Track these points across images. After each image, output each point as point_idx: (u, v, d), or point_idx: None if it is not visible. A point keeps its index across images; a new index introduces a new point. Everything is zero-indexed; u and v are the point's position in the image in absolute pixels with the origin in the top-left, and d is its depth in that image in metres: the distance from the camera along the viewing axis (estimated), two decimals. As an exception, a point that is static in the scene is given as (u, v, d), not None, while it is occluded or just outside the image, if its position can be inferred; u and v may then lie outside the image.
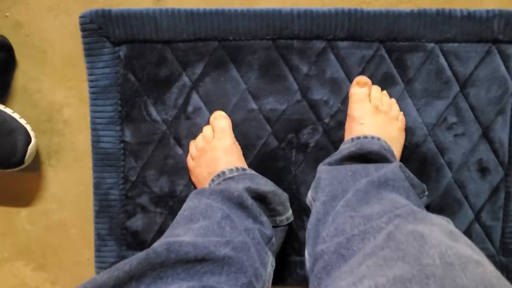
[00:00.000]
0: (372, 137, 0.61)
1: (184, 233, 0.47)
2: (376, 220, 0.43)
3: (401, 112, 0.66)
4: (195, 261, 0.42)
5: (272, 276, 0.53)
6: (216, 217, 0.50)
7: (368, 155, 0.57)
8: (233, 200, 0.54)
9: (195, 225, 0.49)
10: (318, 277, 0.44)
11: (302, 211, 0.69)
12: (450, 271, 0.31)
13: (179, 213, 0.54)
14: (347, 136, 0.65)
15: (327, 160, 0.60)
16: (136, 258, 0.39)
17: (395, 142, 0.64)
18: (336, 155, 0.60)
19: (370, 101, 0.64)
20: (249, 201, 0.56)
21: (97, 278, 0.37)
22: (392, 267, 0.34)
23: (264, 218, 0.57)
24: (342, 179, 0.54)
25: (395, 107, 0.65)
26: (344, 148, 0.61)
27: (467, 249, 0.33)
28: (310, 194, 0.61)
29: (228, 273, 0.43)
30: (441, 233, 0.35)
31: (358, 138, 0.62)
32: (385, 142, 0.61)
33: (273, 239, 0.58)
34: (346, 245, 0.42)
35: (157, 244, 0.42)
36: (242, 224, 0.52)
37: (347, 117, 0.66)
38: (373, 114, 0.63)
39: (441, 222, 0.38)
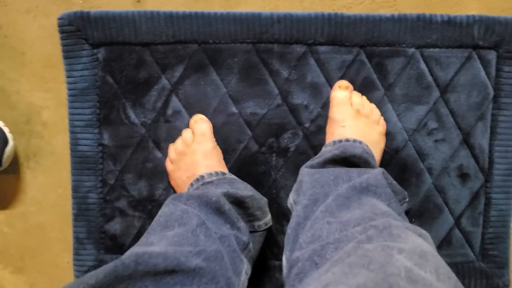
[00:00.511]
0: (354, 140, 0.61)
1: (158, 241, 0.47)
2: (352, 228, 0.42)
3: (382, 117, 0.66)
4: (164, 273, 0.41)
5: (246, 284, 0.53)
6: (191, 224, 0.50)
7: (351, 159, 0.57)
8: (210, 206, 0.54)
9: (169, 232, 0.49)
10: (291, 285, 0.44)
11: (282, 215, 0.69)
12: (414, 286, 0.31)
13: (155, 219, 0.54)
14: (328, 139, 0.65)
15: (309, 163, 0.60)
16: (102, 271, 0.38)
17: (376, 146, 0.64)
18: (318, 158, 0.60)
19: (351, 104, 0.64)
20: (227, 206, 0.55)
21: None
22: (357, 274, 0.34)
23: (241, 224, 0.57)
24: (324, 183, 0.54)
25: (376, 111, 0.65)
26: (327, 151, 0.60)
27: (432, 277, 0.33)
28: (291, 197, 0.60)
29: (199, 284, 0.43)
30: (408, 258, 0.34)
31: (340, 141, 0.61)
32: (367, 146, 0.61)
33: (250, 245, 0.57)
34: (320, 253, 0.42)
35: (126, 256, 0.41)
36: (218, 231, 0.52)
37: (328, 120, 0.66)
38: (355, 117, 0.63)
39: (415, 242, 0.38)
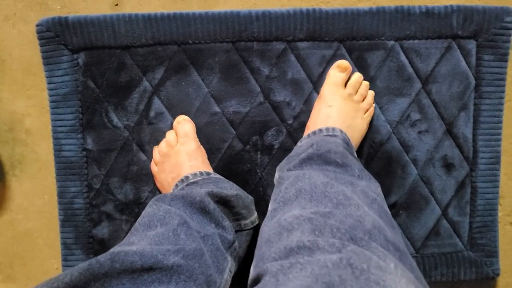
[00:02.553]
0: (327, 129, 0.60)
1: (139, 240, 0.47)
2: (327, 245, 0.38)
3: (373, 106, 0.66)
4: (142, 270, 0.41)
5: (229, 281, 0.53)
6: (173, 223, 0.50)
7: (326, 154, 0.56)
8: (195, 205, 0.54)
9: (151, 232, 0.49)
10: None
11: (269, 213, 0.68)
12: None
13: (138, 219, 0.54)
14: (313, 115, 0.65)
15: (285, 166, 0.58)
16: (77, 269, 0.38)
17: (356, 132, 0.64)
18: (294, 159, 0.57)
19: (345, 86, 0.64)
20: (211, 205, 0.55)
21: None
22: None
23: (226, 223, 0.57)
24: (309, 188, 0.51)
25: (369, 99, 0.65)
26: (302, 150, 0.59)
27: None
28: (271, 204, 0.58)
29: (177, 281, 0.43)
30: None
31: (314, 133, 0.61)
32: (341, 132, 0.60)
33: (236, 244, 0.57)
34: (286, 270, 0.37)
35: (102, 255, 0.42)
36: (202, 230, 0.52)
37: (318, 97, 0.66)
38: (344, 100, 0.63)
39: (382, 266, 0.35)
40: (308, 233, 0.39)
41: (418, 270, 0.38)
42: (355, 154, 0.60)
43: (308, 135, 0.62)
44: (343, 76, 0.64)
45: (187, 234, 0.49)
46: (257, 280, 0.38)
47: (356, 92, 0.64)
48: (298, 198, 0.47)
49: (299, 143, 0.63)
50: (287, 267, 0.35)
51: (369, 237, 0.38)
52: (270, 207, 0.51)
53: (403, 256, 0.39)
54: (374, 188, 0.50)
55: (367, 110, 0.65)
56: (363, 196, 0.47)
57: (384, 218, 0.44)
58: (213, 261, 0.50)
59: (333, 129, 0.60)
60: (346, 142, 0.59)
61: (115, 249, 0.43)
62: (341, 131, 0.60)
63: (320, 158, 0.55)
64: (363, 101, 0.65)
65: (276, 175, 0.60)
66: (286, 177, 0.53)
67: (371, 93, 0.66)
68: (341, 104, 0.63)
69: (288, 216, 0.43)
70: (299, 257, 0.36)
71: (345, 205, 0.43)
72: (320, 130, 0.61)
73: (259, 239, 0.45)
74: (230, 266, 0.53)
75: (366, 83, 0.65)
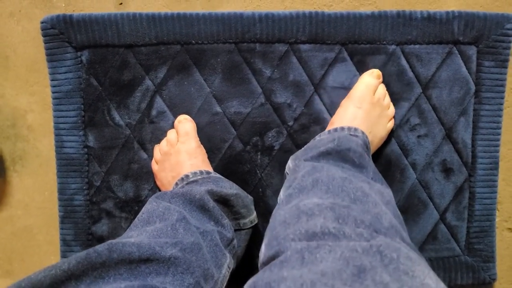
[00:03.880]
0: (350, 129, 0.60)
1: (137, 235, 0.47)
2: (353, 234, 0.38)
3: (394, 117, 0.67)
4: (139, 261, 0.41)
5: (227, 278, 0.53)
6: (172, 219, 0.50)
7: (345, 152, 0.56)
8: (194, 203, 0.54)
9: (150, 227, 0.49)
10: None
11: (268, 213, 0.69)
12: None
13: (138, 215, 0.54)
14: (339, 112, 0.64)
15: (302, 156, 0.57)
16: (75, 257, 0.38)
17: (376, 139, 0.64)
18: (312, 150, 0.57)
19: (374, 93, 0.65)
20: (211, 203, 0.56)
21: (33, 277, 0.36)
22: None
23: (225, 221, 0.57)
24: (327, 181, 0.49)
25: (392, 109, 0.67)
26: (322, 143, 0.58)
27: None
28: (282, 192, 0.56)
29: (174, 273, 0.43)
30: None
31: (336, 130, 0.61)
32: (366, 136, 0.60)
33: (234, 242, 0.58)
34: (313, 250, 0.36)
35: (99, 245, 0.42)
36: (201, 226, 0.52)
37: (348, 96, 0.65)
38: (373, 104, 0.64)
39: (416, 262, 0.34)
40: (332, 220, 0.39)
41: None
42: (371, 158, 0.60)
43: (329, 131, 0.62)
44: (376, 82, 0.65)
45: (186, 229, 0.49)
46: (275, 256, 0.37)
47: (384, 99, 0.65)
48: (314, 188, 0.46)
49: (317, 137, 0.63)
50: (314, 247, 0.35)
51: (388, 233, 0.38)
52: (283, 194, 0.50)
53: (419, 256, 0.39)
54: (387, 191, 0.50)
55: (389, 119, 0.66)
56: (379, 195, 0.47)
57: (397, 219, 0.44)
58: (212, 256, 0.50)
59: (356, 129, 0.60)
60: (366, 145, 0.59)
61: (113, 240, 0.43)
62: (363, 133, 0.61)
63: (338, 154, 0.55)
64: (388, 109, 0.66)
65: (290, 164, 0.60)
66: (303, 166, 0.53)
67: (391, 103, 0.67)
68: (370, 108, 0.63)
69: (307, 202, 0.42)
70: (326, 241, 0.36)
71: (363, 201, 0.43)
72: (343, 128, 0.61)
73: (272, 222, 0.45)
74: (228, 262, 0.53)
75: (387, 93, 0.66)
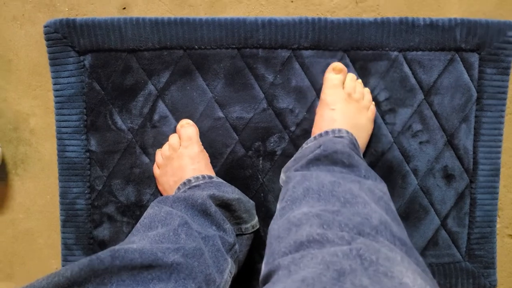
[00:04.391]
0: (333, 131, 0.60)
1: (139, 240, 0.47)
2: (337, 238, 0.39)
3: (373, 103, 0.66)
4: (141, 268, 0.42)
5: (229, 283, 0.53)
6: (174, 224, 0.50)
7: (333, 155, 0.56)
8: (196, 208, 0.54)
9: (152, 232, 0.49)
10: None
11: (269, 218, 0.69)
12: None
13: (140, 220, 0.54)
14: (317, 121, 0.65)
15: (292, 167, 0.58)
16: (78, 264, 0.38)
17: (363, 131, 0.64)
18: (301, 160, 0.58)
19: (343, 88, 0.64)
20: (213, 208, 0.56)
21: (35, 284, 0.36)
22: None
23: (227, 226, 0.57)
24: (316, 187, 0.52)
25: (368, 96, 0.66)
26: (309, 151, 0.59)
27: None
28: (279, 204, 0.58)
29: (176, 279, 0.43)
30: None
31: (321, 135, 0.62)
32: (352, 134, 0.61)
33: (236, 247, 0.58)
34: (297, 261, 0.38)
35: (102, 251, 0.42)
36: (203, 231, 0.52)
37: (320, 102, 0.66)
38: (345, 101, 0.63)
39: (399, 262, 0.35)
40: (317, 226, 0.40)
41: (424, 264, 0.39)
42: (361, 155, 0.60)
43: (315, 137, 0.62)
44: (340, 77, 0.64)
45: (188, 234, 0.49)
46: (269, 276, 0.39)
47: (355, 91, 0.64)
48: (306, 197, 0.47)
49: (305, 145, 0.63)
50: (298, 259, 0.36)
51: (376, 232, 0.39)
52: (278, 206, 0.52)
53: (409, 250, 0.39)
54: (380, 187, 0.51)
55: (368, 108, 0.65)
56: (370, 194, 0.47)
57: (390, 215, 0.45)
58: (213, 261, 0.50)
59: (339, 130, 0.60)
60: (353, 143, 0.59)
61: (116, 246, 0.43)
62: (347, 132, 0.60)
63: (326, 159, 0.55)
64: (363, 99, 0.65)
65: (283, 176, 0.60)
66: (293, 176, 0.54)
67: (367, 90, 0.66)
68: (344, 105, 0.63)
69: (297, 213, 0.44)
70: (310, 250, 0.37)
71: (352, 203, 0.44)
72: (327, 132, 0.61)
73: (268, 237, 0.46)
74: (230, 267, 0.54)
75: (359, 81, 0.66)
